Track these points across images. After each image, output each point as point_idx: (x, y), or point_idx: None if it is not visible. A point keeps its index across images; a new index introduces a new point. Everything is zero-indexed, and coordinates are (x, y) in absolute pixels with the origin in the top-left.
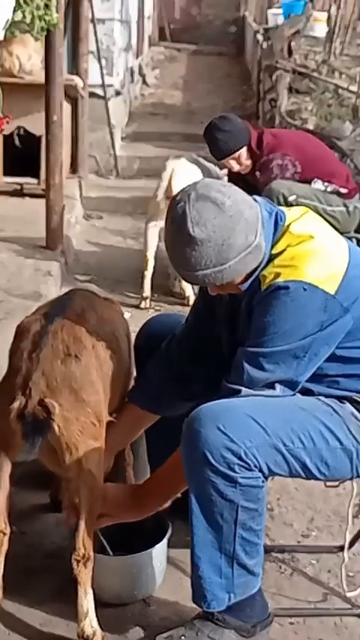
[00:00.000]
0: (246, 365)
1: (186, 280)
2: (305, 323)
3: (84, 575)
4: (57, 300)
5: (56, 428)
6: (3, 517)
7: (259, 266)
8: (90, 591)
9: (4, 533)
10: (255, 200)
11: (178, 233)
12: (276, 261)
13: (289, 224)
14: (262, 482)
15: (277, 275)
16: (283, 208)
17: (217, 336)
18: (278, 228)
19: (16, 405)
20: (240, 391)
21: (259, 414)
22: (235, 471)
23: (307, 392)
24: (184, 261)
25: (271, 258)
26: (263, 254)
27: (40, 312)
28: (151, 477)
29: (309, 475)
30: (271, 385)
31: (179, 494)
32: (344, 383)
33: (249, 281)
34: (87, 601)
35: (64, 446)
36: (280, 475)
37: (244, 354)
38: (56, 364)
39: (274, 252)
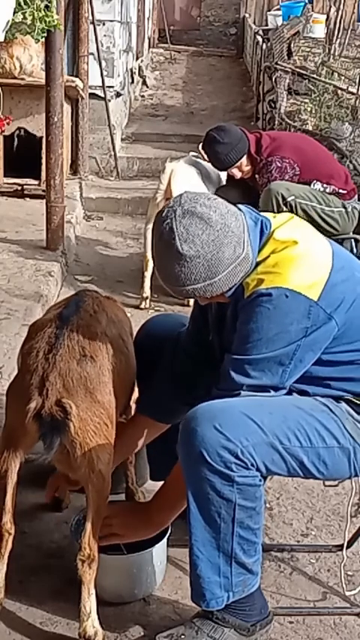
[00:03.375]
0: (232, 372)
1: (175, 295)
2: (289, 330)
3: (88, 576)
4: (68, 301)
5: (72, 428)
6: (9, 517)
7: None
8: (93, 592)
9: (10, 534)
10: (239, 210)
11: (166, 250)
12: (259, 268)
13: (274, 230)
14: (260, 480)
15: (260, 282)
16: (269, 215)
17: (212, 343)
18: (264, 236)
19: (32, 405)
20: (232, 397)
21: (256, 412)
22: (232, 470)
23: (302, 393)
24: (173, 277)
25: (256, 265)
26: (251, 263)
27: (52, 314)
28: (156, 492)
29: (307, 474)
30: (262, 389)
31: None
32: (336, 385)
33: (233, 288)
34: (90, 601)
35: (77, 446)
36: (279, 474)
37: (230, 361)
38: (72, 365)
39: (258, 259)
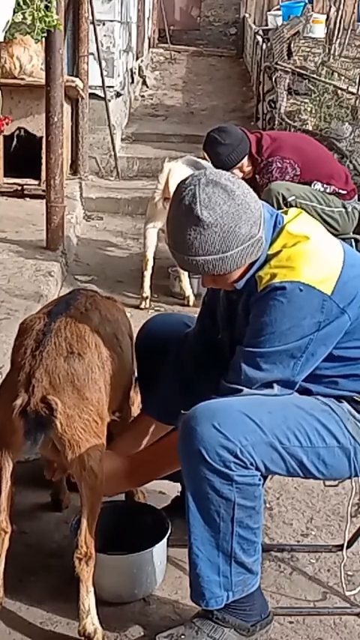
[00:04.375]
0: (243, 365)
1: (183, 267)
2: (302, 323)
3: (85, 574)
4: (60, 299)
5: (58, 425)
6: (5, 516)
7: (254, 264)
8: (91, 589)
9: (6, 532)
10: None
11: (184, 215)
12: (272, 262)
13: (285, 224)
14: (259, 480)
15: (274, 276)
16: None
17: (221, 342)
18: (276, 229)
19: (18, 402)
20: (239, 390)
21: (255, 412)
22: (231, 469)
23: (305, 392)
24: (186, 245)
25: (268, 258)
26: (262, 250)
27: (43, 311)
28: (143, 452)
29: (307, 474)
30: (268, 385)
31: (178, 493)
32: (343, 383)
33: (244, 279)
34: (88, 599)
35: (66, 443)
36: (278, 474)
37: (242, 354)
38: (59, 362)
39: (270, 252)
